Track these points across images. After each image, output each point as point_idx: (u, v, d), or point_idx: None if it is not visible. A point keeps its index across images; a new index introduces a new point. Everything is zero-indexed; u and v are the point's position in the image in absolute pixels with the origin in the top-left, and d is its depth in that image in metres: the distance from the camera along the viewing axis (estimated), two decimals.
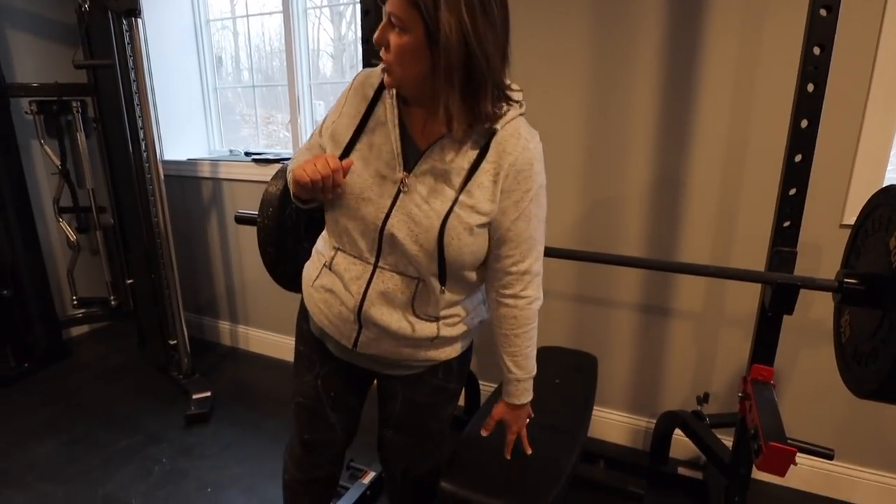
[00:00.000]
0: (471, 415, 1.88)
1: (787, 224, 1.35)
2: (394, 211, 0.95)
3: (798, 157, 1.30)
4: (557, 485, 1.17)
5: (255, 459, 2.07)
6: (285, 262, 1.38)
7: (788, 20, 1.57)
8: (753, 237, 1.76)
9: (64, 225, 2.81)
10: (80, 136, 2.71)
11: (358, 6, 1.84)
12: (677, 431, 1.87)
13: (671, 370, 2.02)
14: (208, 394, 2.40)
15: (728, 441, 1.71)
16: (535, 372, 1.11)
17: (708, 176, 1.79)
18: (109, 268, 2.97)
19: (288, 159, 1.42)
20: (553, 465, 1.24)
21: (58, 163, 2.72)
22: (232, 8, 2.80)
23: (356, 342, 1.08)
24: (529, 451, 1.18)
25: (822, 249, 1.69)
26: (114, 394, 2.51)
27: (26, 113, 2.60)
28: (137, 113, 2.26)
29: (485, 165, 0.92)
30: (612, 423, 2.16)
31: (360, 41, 1.79)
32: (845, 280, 1.21)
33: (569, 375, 1.67)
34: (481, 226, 0.95)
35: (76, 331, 3.07)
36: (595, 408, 1.83)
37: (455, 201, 0.93)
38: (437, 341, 1.07)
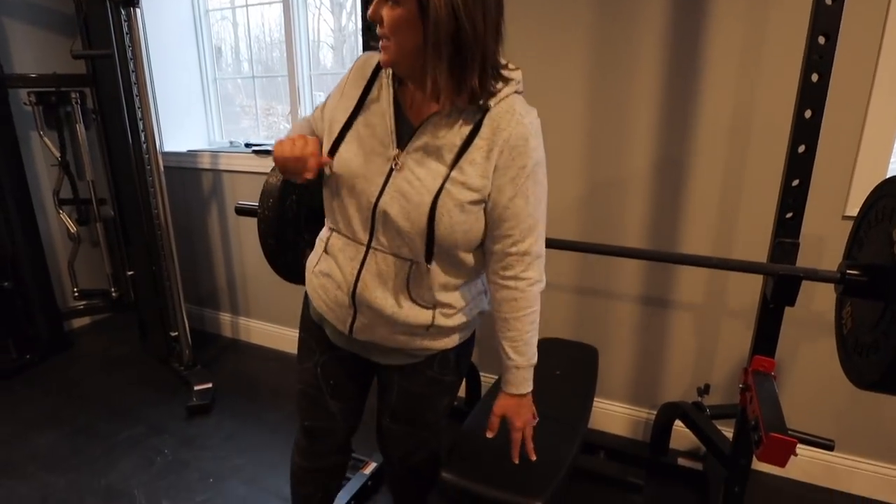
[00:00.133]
0: (472, 406, 1.88)
1: (789, 215, 1.34)
2: (387, 188, 0.96)
3: (801, 148, 1.29)
4: (558, 475, 1.18)
5: (257, 450, 2.08)
6: (286, 254, 1.38)
7: (794, 8, 1.56)
8: (755, 228, 1.75)
9: (64, 217, 2.80)
10: (80, 128, 2.70)
11: None
12: (677, 423, 1.88)
13: (672, 362, 2.02)
14: (209, 385, 2.41)
15: (728, 432, 1.71)
16: (535, 360, 1.07)
17: (710, 166, 1.78)
18: (110, 259, 2.97)
19: None
20: (553, 456, 1.24)
21: (57, 154, 2.71)
22: None
23: (352, 327, 1.08)
24: (534, 458, 1.12)
25: (825, 241, 1.68)
26: (115, 385, 2.52)
27: (25, 104, 2.59)
28: (137, 104, 2.25)
29: (477, 142, 0.92)
30: (613, 414, 2.17)
31: (361, 31, 1.78)
32: (847, 271, 1.20)
33: (569, 367, 1.67)
34: (473, 202, 0.94)
35: (77, 322, 3.07)
36: (595, 399, 1.83)
37: (447, 178, 0.92)
38: (433, 330, 1.06)
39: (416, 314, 1.03)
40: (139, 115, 2.26)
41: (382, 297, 1.02)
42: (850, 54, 1.49)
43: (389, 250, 0.99)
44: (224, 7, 2.82)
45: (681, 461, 1.94)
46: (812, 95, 1.26)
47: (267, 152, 2.56)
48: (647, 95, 1.79)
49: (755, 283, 1.60)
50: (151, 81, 2.58)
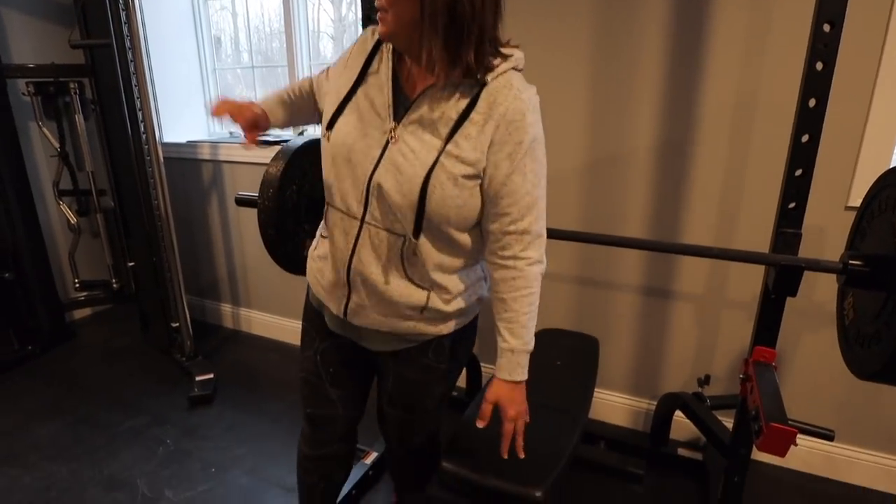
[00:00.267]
0: (472, 397, 1.89)
1: (792, 205, 1.33)
2: (382, 161, 0.95)
3: (805, 137, 1.28)
4: (558, 465, 1.18)
5: (258, 440, 2.09)
6: (286, 244, 1.38)
7: None
8: (757, 219, 1.74)
9: (64, 208, 2.80)
10: (79, 118, 2.69)
11: None
12: (678, 413, 1.88)
13: (672, 352, 2.03)
14: (211, 376, 2.42)
15: (728, 423, 1.71)
16: (531, 346, 1.03)
17: (712, 156, 1.77)
18: (111, 250, 2.97)
19: (288, 141, 1.41)
20: (554, 446, 1.24)
21: (56, 145, 2.70)
22: None
23: (346, 310, 1.07)
24: (522, 455, 1.06)
25: (827, 231, 1.68)
26: (117, 376, 2.52)
27: (23, 94, 2.58)
28: (136, 94, 2.24)
29: (473, 116, 0.91)
30: (613, 404, 2.18)
31: (361, 21, 1.77)
32: (850, 262, 1.20)
33: (570, 357, 1.68)
34: (467, 177, 0.92)
35: (79, 314, 3.08)
36: (596, 390, 1.83)
37: (441, 151, 0.92)
38: (428, 314, 1.05)
39: (410, 293, 1.02)
40: (138, 105, 2.24)
41: (377, 273, 1.01)
42: (854, 43, 1.47)
43: (382, 225, 0.98)
44: None
45: (681, 451, 1.95)
46: (816, 84, 1.25)
47: (267, 143, 2.55)
48: (648, 84, 1.78)
49: (756, 273, 1.59)
50: (150, 71, 2.57)
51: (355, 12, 2.51)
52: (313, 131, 2.58)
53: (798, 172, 1.31)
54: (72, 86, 2.62)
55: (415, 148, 0.93)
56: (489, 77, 0.91)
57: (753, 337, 1.45)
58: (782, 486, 1.87)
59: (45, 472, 1.91)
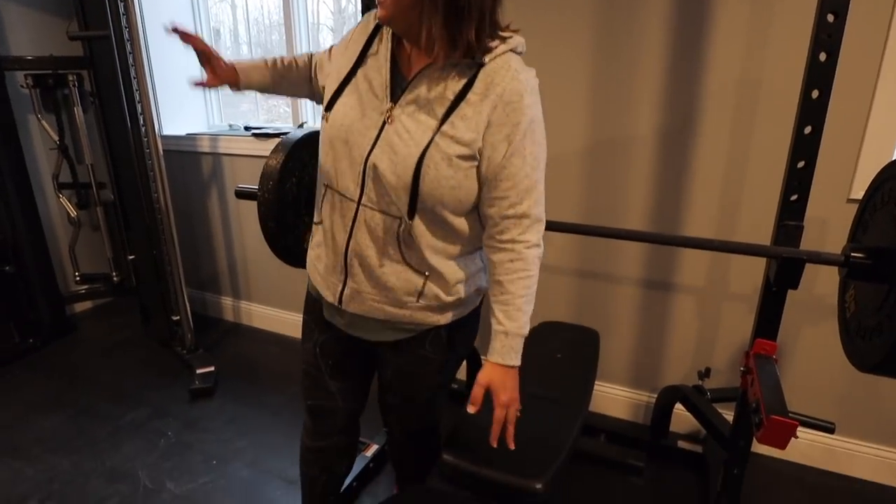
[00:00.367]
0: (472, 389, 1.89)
1: (794, 197, 1.33)
2: (378, 142, 0.95)
3: (808, 129, 1.27)
4: (558, 458, 1.18)
5: (259, 433, 2.09)
6: (286, 237, 1.38)
7: None
8: (759, 211, 1.74)
9: (64, 201, 2.79)
10: (78, 111, 2.68)
11: None
12: (678, 406, 1.89)
13: (673, 345, 2.03)
14: (212, 368, 2.42)
15: (728, 416, 1.71)
16: (526, 331, 1.00)
17: (713, 148, 1.76)
18: (111, 244, 2.96)
19: (288, 133, 1.40)
20: (554, 439, 1.25)
21: (56, 138, 2.69)
22: None
23: (341, 297, 1.07)
24: (512, 447, 1.02)
25: (828, 224, 1.67)
26: (118, 369, 2.53)
27: (22, 87, 2.56)
28: (135, 87, 2.23)
29: (470, 97, 0.91)
30: (614, 397, 2.18)
31: (361, 13, 1.76)
32: (852, 254, 1.19)
33: (570, 350, 1.67)
34: (462, 157, 0.92)
35: (79, 307, 3.08)
36: (597, 382, 1.84)
37: (436, 131, 0.91)
38: (424, 300, 1.04)
39: (407, 277, 1.02)
40: (137, 98, 2.23)
41: (373, 256, 1.01)
42: (857, 34, 1.46)
43: (378, 207, 0.98)
44: None
45: (681, 444, 1.96)
46: (820, 75, 1.24)
47: (267, 135, 2.54)
48: (649, 75, 1.77)
49: (758, 266, 1.59)
50: (150, 64, 2.55)
51: (355, 4, 2.50)
52: (313, 124, 2.57)
53: (800, 164, 1.30)
54: (70, 78, 2.61)
55: (410, 128, 0.93)
56: (487, 58, 0.91)
57: (754, 329, 1.45)
58: (782, 479, 1.87)
59: (48, 464, 1.91)
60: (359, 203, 0.99)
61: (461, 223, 1.00)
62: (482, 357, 2.10)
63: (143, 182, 2.37)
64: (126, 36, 2.16)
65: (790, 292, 1.36)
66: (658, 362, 2.07)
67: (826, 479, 1.87)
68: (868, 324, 1.15)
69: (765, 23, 1.60)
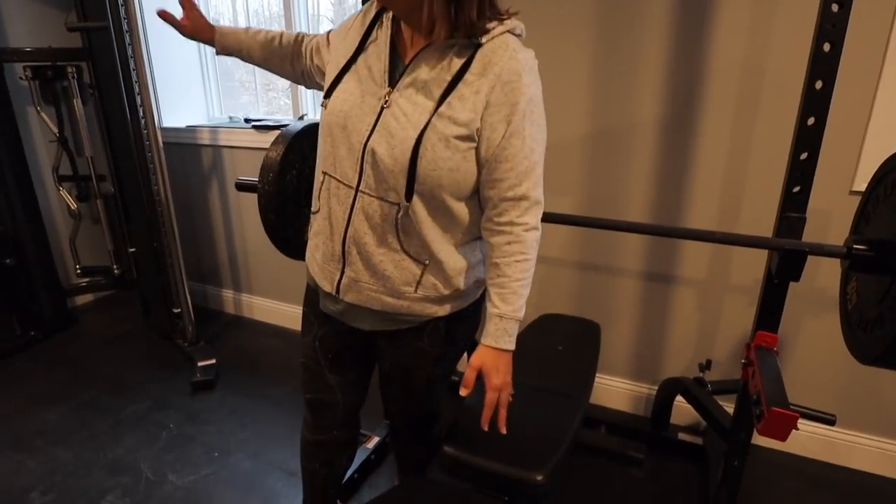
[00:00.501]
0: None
1: (796, 189, 1.32)
2: (376, 127, 0.95)
3: (811, 120, 1.27)
4: (559, 449, 1.18)
5: (260, 425, 2.10)
6: (286, 229, 1.37)
7: None
8: (761, 203, 1.73)
9: (64, 193, 2.79)
10: (77, 103, 2.67)
11: None
12: (678, 398, 1.89)
13: (674, 337, 2.03)
14: (213, 361, 2.42)
15: (729, 408, 1.72)
16: (521, 315, 1.00)
17: (715, 140, 1.75)
18: (111, 236, 2.96)
19: (288, 125, 1.40)
20: (555, 430, 1.25)
21: (55, 130, 2.68)
22: None
23: (339, 286, 1.07)
24: (504, 431, 1.02)
25: (830, 216, 1.66)
26: (120, 361, 2.53)
27: (21, 78, 2.55)
28: (134, 79, 2.21)
29: (467, 77, 0.90)
30: (615, 389, 2.18)
31: (361, 3, 1.74)
32: (854, 246, 1.19)
33: (571, 342, 1.67)
34: (459, 138, 0.91)
35: (81, 299, 3.08)
36: (597, 375, 1.84)
37: (434, 113, 0.91)
38: (422, 290, 1.04)
39: (405, 266, 1.01)
40: (137, 90, 2.22)
41: (371, 243, 1.00)
42: (861, 25, 1.45)
43: (376, 194, 0.97)
44: None
45: (681, 436, 1.96)
46: (823, 66, 1.23)
47: (267, 128, 2.53)
48: (651, 65, 1.76)
49: (759, 258, 1.58)
50: (149, 56, 2.54)
51: None
52: (313, 116, 2.56)
53: (803, 156, 1.30)
54: (69, 70, 2.60)
55: (407, 111, 0.93)
56: (484, 39, 0.90)
57: (755, 322, 1.45)
58: (782, 471, 1.88)
59: (50, 456, 1.92)
60: (357, 190, 0.99)
61: (461, 208, 1.00)
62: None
63: (143, 174, 2.37)
64: (125, 27, 2.14)
65: (791, 284, 1.36)
66: (659, 354, 2.07)
67: (826, 471, 1.87)
68: (869, 316, 1.15)
69: (768, 13, 1.59)
